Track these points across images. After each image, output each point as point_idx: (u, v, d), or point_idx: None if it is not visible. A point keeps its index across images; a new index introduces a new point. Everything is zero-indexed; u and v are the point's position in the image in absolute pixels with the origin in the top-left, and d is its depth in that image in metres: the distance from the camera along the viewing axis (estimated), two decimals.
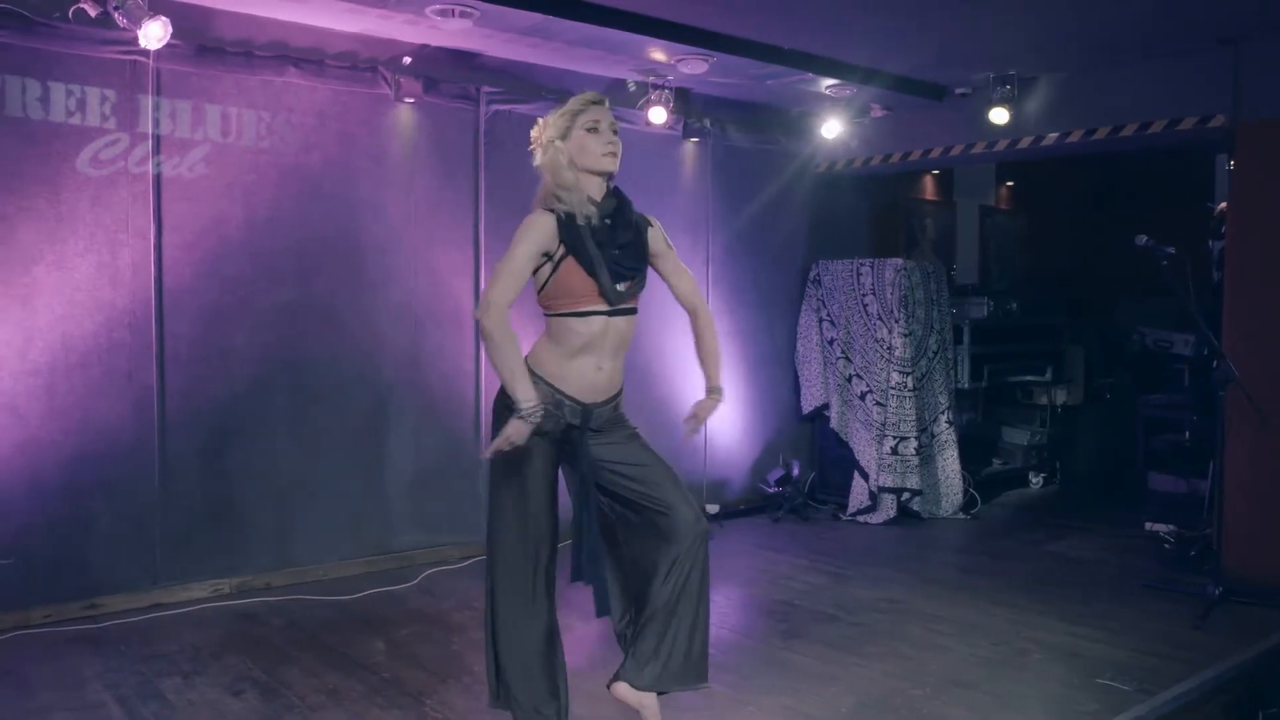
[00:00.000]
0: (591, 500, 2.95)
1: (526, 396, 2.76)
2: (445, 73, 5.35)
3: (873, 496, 6.61)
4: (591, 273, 2.85)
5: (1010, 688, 3.72)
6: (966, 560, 5.65)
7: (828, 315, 6.95)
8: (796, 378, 7.13)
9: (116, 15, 4.12)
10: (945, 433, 6.78)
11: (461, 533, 5.45)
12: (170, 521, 4.65)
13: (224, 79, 4.71)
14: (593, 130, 2.90)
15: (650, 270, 3.09)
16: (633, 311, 2.98)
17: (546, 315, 2.94)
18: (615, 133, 2.94)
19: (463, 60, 5.41)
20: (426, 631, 4.26)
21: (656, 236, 3.08)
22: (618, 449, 3.01)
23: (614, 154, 2.92)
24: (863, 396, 6.75)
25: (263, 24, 4.78)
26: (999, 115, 5.95)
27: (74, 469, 4.40)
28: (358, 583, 4.96)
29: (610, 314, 2.91)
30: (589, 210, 2.88)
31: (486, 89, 5.48)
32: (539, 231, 2.83)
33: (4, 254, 4.22)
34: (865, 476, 6.67)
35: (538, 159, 2.96)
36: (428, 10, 4.54)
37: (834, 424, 6.90)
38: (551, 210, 2.87)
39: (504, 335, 2.77)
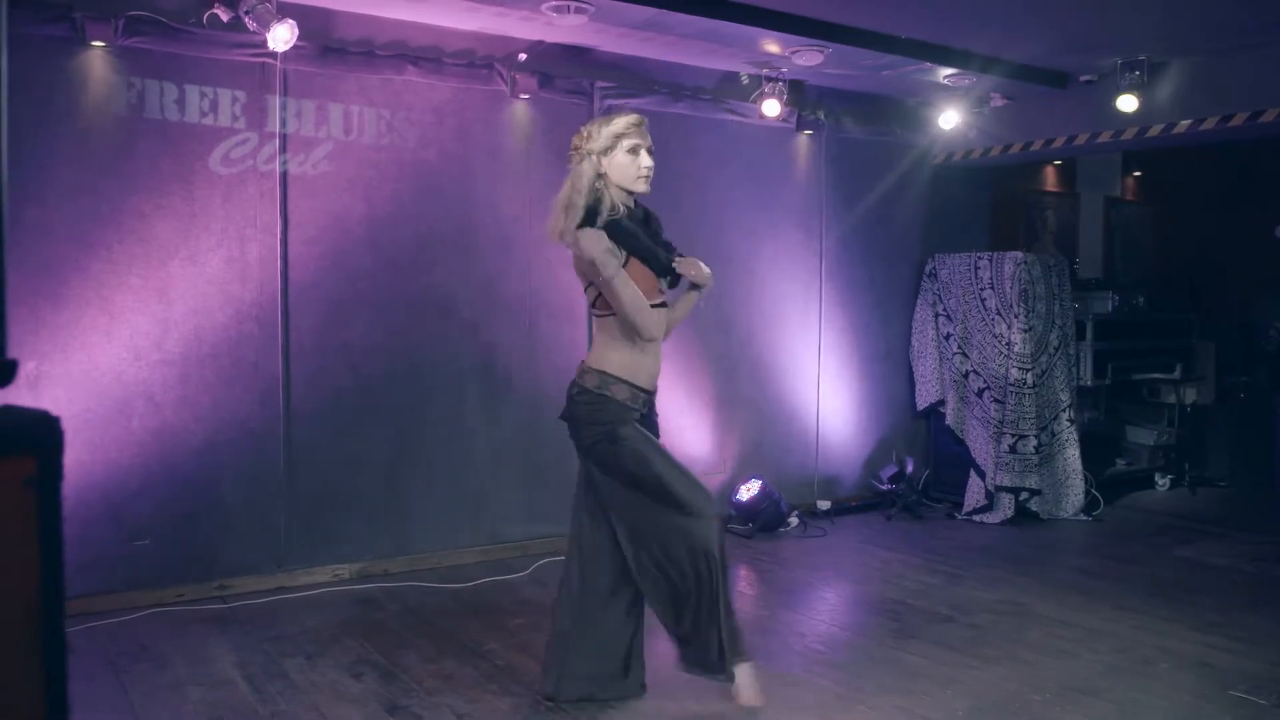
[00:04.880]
0: None
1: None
2: (559, 68, 5.40)
3: (989, 495, 6.44)
4: (653, 267, 3.09)
5: (1136, 696, 3.58)
6: (1088, 563, 5.46)
7: (944, 310, 6.80)
8: (911, 373, 6.99)
9: (247, 20, 4.30)
10: (1066, 431, 6.57)
11: None
12: (295, 508, 4.82)
13: (346, 78, 4.85)
14: (634, 153, 3.08)
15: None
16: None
17: (609, 316, 3.11)
18: (652, 155, 3.13)
19: (576, 56, 5.45)
20: (538, 621, 4.30)
21: None
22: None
23: (648, 178, 3.12)
24: (980, 393, 6.59)
25: (383, 24, 4.90)
26: (1127, 103, 5.72)
27: (205, 456, 4.59)
28: (472, 571, 5.06)
29: (663, 305, 3.20)
30: (619, 209, 3.08)
31: (600, 84, 5.51)
32: (603, 240, 3.00)
33: (143, 249, 4.42)
34: (982, 475, 6.51)
35: (574, 164, 3.10)
36: (543, 7, 4.59)
37: (950, 421, 6.76)
38: (587, 225, 3.02)
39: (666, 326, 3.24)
